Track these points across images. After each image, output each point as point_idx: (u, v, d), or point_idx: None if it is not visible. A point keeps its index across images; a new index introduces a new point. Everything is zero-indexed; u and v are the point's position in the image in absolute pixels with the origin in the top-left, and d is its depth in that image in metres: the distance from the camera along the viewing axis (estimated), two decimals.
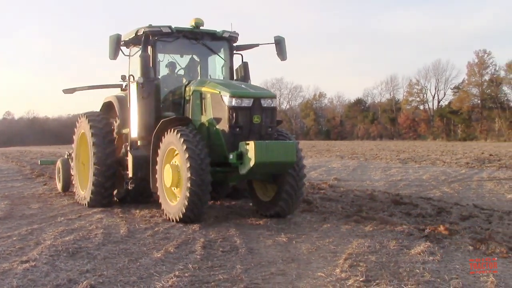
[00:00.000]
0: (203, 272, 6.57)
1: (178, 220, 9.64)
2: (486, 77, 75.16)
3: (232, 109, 9.65)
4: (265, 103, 9.81)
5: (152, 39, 11.31)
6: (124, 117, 11.89)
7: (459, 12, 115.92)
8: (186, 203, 9.34)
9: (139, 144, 11.18)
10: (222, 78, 12.16)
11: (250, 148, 9.04)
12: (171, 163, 10.00)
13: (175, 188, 9.93)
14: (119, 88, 12.99)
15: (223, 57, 12.23)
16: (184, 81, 12.23)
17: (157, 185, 10.42)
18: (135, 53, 12.50)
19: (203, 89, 10.46)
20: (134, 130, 11.01)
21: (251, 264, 7.00)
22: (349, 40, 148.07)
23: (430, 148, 48.18)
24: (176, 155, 10.02)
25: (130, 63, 12.69)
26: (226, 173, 10.24)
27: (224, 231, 9.10)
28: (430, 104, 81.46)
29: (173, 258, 7.26)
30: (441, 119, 77.34)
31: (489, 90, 74.31)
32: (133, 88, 11.03)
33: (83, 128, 12.52)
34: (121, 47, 11.46)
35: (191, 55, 12.85)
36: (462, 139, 69.26)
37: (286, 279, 6.34)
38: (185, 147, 9.35)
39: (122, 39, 11.56)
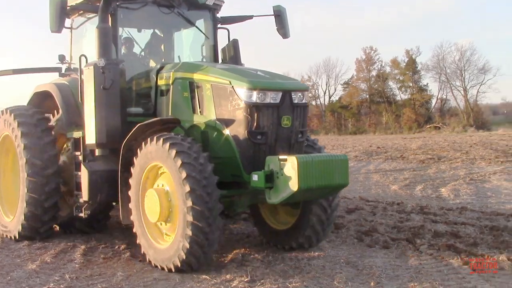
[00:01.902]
0: (81, 282, 6.40)
1: (173, 269, 6.56)
2: (374, 73, 77.73)
3: (252, 106, 6.65)
4: (296, 98, 6.87)
5: (113, 5, 8.00)
6: (70, 114, 8.55)
7: (345, 11, 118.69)
8: (187, 245, 6.28)
9: (97, 154, 7.87)
10: (202, 61, 9.08)
11: (291, 166, 6.11)
12: (156, 186, 6.86)
13: (164, 223, 6.81)
14: (57, 74, 9.54)
15: (204, 32, 9.11)
16: (152, 64, 9.05)
17: (131, 218, 7.23)
18: (80, 25, 9.17)
19: (197, 76, 7.37)
20: (90, 134, 7.67)
21: (133, 270, 6.86)
22: None
23: (321, 142, 47.05)
24: (161, 174, 6.92)
25: (73, 38, 9.32)
26: (233, 197, 7.25)
27: (107, 237, 8.70)
28: (322, 100, 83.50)
29: (49, 269, 7.03)
30: (332, 114, 79.71)
31: (376, 85, 77.00)
32: (88, 74, 7.68)
33: (6, 129, 9.01)
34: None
35: (152, 30, 9.64)
36: (352, 133, 71.62)
37: (169, 284, 6.25)
38: (179, 162, 6.29)
39: (69, 4, 8.20)
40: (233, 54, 9.00)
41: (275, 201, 6.42)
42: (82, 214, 8.03)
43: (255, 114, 6.62)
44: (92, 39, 8.16)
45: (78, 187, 8.07)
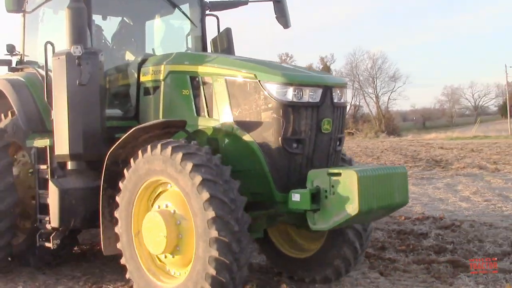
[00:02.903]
0: None
1: None
2: None
3: (287, 106, 5.26)
4: (336, 96, 5.54)
5: None
6: (28, 118, 6.84)
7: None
8: (208, 286, 4.80)
9: (69, 167, 6.20)
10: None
11: (348, 182, 4.78)
12: (158, 208, 5.33)
13: (170, 256, 5.28)
14: (5, 68, 7.75)
15: (192, 20, 7.64)
16: (129, 56, 7.50)
17: (119, 246, 5.66)
18: (36, 8, 7.47)
19: (203, 69, 5.92)
20: (62, 143, 6.00)
21: None
22: None
23: None
24: (161, 193, 5.43)
25: (27, 24, 7.61)
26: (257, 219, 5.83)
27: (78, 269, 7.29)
28: None
29: None
30: None
31: None
32: (58, 66, 6.01)
33: None
34: None
35: (121, 18, 8.06)
36: None
37: None
38: (199, 179, 4.82)
39: None
40: (226, 46, 7.55)
41: (322, 227, 5.06)
42: (49, 244, 6.32)
43: (291, 116, 5.24)
44: (52, 25, 6.53)
45: (43, 209, 6.38)
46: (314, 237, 6.36)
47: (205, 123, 5.81)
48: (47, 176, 6.28)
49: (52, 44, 6.35)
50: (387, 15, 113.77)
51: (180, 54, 6.60)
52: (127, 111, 6.87)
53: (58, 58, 6.01)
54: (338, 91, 5.53)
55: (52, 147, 6.21)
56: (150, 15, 8.15)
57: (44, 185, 6.37)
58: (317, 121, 5.36)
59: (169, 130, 5.71)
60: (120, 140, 5.59)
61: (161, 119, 6.17)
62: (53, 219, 6.11)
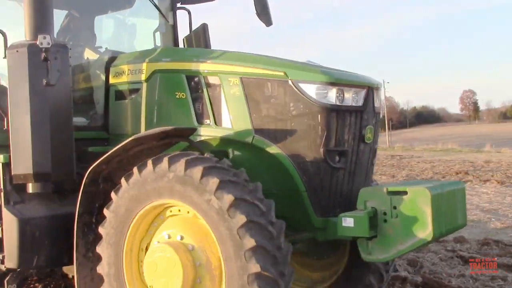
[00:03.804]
0: None
1: None
2: None
3: (330, 111, 4.31)
4: (377, 100, 4.67)
5: None
6: None
7: None
8: None
9: (31, 190, 4.86)
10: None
11: (420, 202, 3.88)
12: (166, 240, 4.16)
13: None
14: None
15: (164, 14, 6.51)
16: (90, 54, 6.27)
17: None
18: None
19: (207, 66, 4.84)
20: (21, 159, 4.67)
21: None
22: None
23: None
24: (168, 218, 4.27)
25: None
26: None
27: None
28: None
29: None
30: None
31: None
32: (18, 62, 4.70)
33: None
34: None
35: (68, 11, 6.78)
36: None
37: None
38: (230, 198, 3.74)
39: None
40: (203, 45, 6.47)
41: (381, 258, 4.13)
42: None
43: (334, 123, 4.29)
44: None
45: None
46: (326, 265, 5.42)
47: (210, 133, 4.73)
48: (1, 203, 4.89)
49: (3, 33, 5.00)
50: None
51: (169, 49, 5.50)
52: (92, 120, 5.63)
53: (17, 51, 4.71)
54: (378, 94, 4.68)
55: (6, 166, 4.84)
56: (101, 9, 6.92)
57: None
58: (360, 128, 4.46)
59: (169, 141, 4.57)
60: (108, 153, 4.39)
61: (154, 128, 4.89)
62: (8, 258, 4.74)
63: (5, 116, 4.93)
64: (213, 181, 3.80)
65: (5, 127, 4.90)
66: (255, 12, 6.44)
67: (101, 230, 4.43)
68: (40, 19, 4.71)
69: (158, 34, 6.62)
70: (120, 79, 5.37)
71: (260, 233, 3.71)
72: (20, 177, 4.73)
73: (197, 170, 3.87)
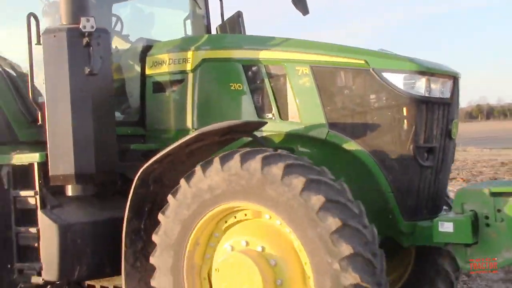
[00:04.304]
0: None
1: None
2: None
3: (419, 103, 3.85)
4: (459, 92, 4.26)
5: None
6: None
7: None
8: None
9: (70, 193, 4.33)
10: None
11: None
12: (239, 249, 3.65)
13: None
14: None
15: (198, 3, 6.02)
16: (118, 43, 5.76)
17: None
18: None
19: (270, 55, 4.35)
20: (61, 159, 4.16)
21: None
22: None
23: None
24: (236, 223, 3.76)
25: None
26: None
27: None
28: None
29: None
30: None
31: None
32: (55, 47, 4.18)
33: None
34: None
35: None
36: None
37: None
38: (320, 200, 3.24)
39: None
40: (238, 33, 5.98)
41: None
42: None
43: (424, 117, 3.85)
44: None
45: (25, 255, 4.43)
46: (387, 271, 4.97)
47: (273, 128, 4.24)
48: (32, 207, 4.34)
49: (35, 17, 4.46)
50: None
51: (220, 36, 5.01)
52: (127, 114, 5.12)
53: (54, 36, 4.18)
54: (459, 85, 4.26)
55: (42, 165, 4.30)
56: None
57: (27, 219, 4.42)
58: (447, 123, 4.04)
59: (230, 137, 4.08)
60: (165, 150, 3.88)
61: (203, 123, 4.46)
62: (47, 269, 4.21)
63: (39, 109, 4.37)
64: (298, 180, 3.32)
65: (39, 122, 4.35)
66: (291, 0, 5.98)
67: (155, 238, 3.91)
68: (79, 0, 4.20)
69: (189, 22, 6.10)
70: (159, 70, 4.87)
71: (356, 238, 3.26)
72: (59, 178, 4.21)
73: (277, 168, 3.39)
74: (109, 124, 4.33)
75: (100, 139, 4.21)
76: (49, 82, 4.22)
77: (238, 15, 6.05)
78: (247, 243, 3.64)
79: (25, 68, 5.10)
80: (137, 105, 5.05)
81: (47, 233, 4.18)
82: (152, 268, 3.97)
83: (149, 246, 4.12)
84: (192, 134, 3.79)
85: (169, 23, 6.62)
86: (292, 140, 4.21)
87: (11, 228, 4.46)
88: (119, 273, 4.35)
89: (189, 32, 6.09)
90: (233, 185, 3.54)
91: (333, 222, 3.22)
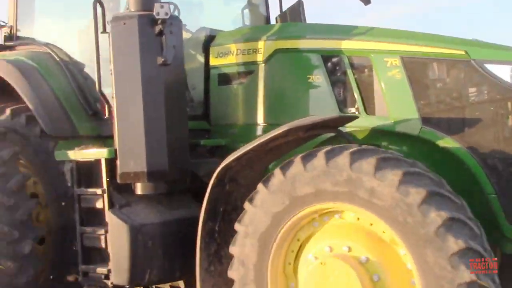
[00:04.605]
0: None
1: None
2: None
3: None
4: None
5: None
6: (52, 116, 4.52)
7: None
8: None
9: (140, 192, 4.07)
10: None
11: None
12: (331, 253, 3.33)
13: None
14: None
15: None
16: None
17: None
18: None
19: (354, 44, 4.03)
20: (132, 155, 3.90)
21: None
22: None
23: None
24: (320, 229, 3.45)
25: None
26: None
27: None
28: None
29: None
30: None
31: None
32: (124, 36, 3.91)
33: None
34: None
35: None
36: None
37: None
38: (421, 193, 2.91)
39: None
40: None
41: None
42: None
43: None
44: None
45: (91, 257, 4.18)
46: None
47: (358, 123, 3.94)
48: (100, 206, 4.08)
49: (101, 4, 4.18)
50: None
51: (294, 25, 4.70)
52: (190, 108, 4.84)
53: (124, 23, 3.90)
54: None
55: (109, 162, 4.04)
56: None
57: (92, 219, 4.16)
58: None
59: (313, 133, 3.79)
60: (249, 147, 3.58)
61: (275, 118, 4.22)
62: (117, 273, 3.95)
63: (106, 102, 4.10)
64: (393, 174, 3.02)
65: (106, 115, 4.09)
66: None
67: (238, 227, 3.58)
68: None
69: (247, 12, 5.81)
70: (225, 61, 4.59)
71: (465, 232, 2.94)
72: (130, 176, 3.94)
73: (368, 163, 3.08)
74: (182, 118, 4.06)
75: (173, 134, 3.94)
76: (118, 73, 3.95)
77: (299, 4, 5.75)
78: (350, 249, 3.34)
79: (82, 59, 4.88)
80: (200, 98, 4.78)
81: (116, 234, 3.92)
82: (226, 275, 3.70)
83: (222, 249, 3.86)
84: (280, 130, 3.49)
85: (220, 13, 6.34)
86: (379, 136, 3.92)
87: (75, 228, 4.20)
88: (188, 277, 4.12)
89: (247, 22, 5.80)
90: (335, 181, 3.23)
91: (438, 216, 2.91)
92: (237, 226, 3.58)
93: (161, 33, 3.83)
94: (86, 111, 4.57)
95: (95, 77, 4.66)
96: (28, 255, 4.14)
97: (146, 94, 3.87)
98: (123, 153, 3.93)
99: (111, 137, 4.33)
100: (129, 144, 3.91)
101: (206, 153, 4.45)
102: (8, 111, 4.75)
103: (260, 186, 3.50)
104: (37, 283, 4.26)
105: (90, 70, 4.75)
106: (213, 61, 4.67)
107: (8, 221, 4.06)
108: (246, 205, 3.54)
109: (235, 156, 3.63)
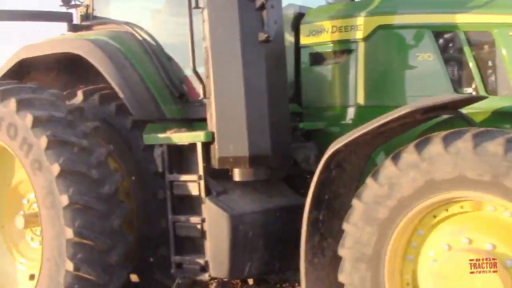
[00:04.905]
0: None
1: None
2: None
3: None
4: None
5: None
6: (139, 97, 4.25)
7: None
8: None
9: (238, 178, 3.80)
10: None
11: None
12: (470, 248, 2.98)
13: None
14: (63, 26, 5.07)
15: None
16: None
17: None
18: None
19: (471, 18, 3.70)
20: (231, 138, 3.63)
21: None
22: None
23: None
24: (450, 217, 3.08)
25: None
26: None
27: None
28: None
29: None
30: None
31: None
32: (225, 11, 3.63)
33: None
34: None
35: None
36: None
37: None
38: None
39: None
40: None
41: None
42: None
43: None
44: None
45: (184, 248, 3.92)
46: None
47: (478, 104, 3.59)
48: (195, 193, 3.81)
49: None
50: None
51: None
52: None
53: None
54: None
55: (205, 146, 3.77)
56: None
57: (185, 207, 3.91)
58: None
59: (433, 115, 3.46)
60: (363, 130, 3.26)
61: (382, 100, 3.91)
62: (215, 265, 3.69)
63: (200, 82, 3.83)
64: None
65: (202, 96, 3.82)
66: None
67: (347, 226, 3.29)
68: None
69: None
70: (318, 39, 4.28)
71: None
72: (229, 161, 3.67)
73: (495, 145, 2.74)
74: (283, 99, 3.79)
75: (275, 117, 3.66)
76: (215, 51, 3.67)
77: None
78: (470, 241, 3.03)
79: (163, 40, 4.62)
80: (290, 79, 4.48)
81: (215, 224, 3.67)
82: (328, 268, 3.44)
83: (324, 240, 3.57)
84: (402, 111, 3.16)
85: None
86: (501, 118, 3.57)
87: (167, 216, 3.96)
88: (287, 270, 3.85)
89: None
90: (460, 170, 2.92)
91: None
92: (356, 202, 3.24)
93: (262, 7, 3.55)
94: (172, 93, 4.31)
95: (177, 57, 4.45)
96: (118, 231, 3.89)
97: (247, 73, 3.59)
98: (221, 137, 3.66)
99: (198, 120, 4.11)
100: (229, 127, 3.65)
101: (300, 137, 4.16)
102: (79, 93, 4.57)
103: (388, 162, 3.16)
104: (126, 263, 4.02)
105: (170, 50, 4.53)
106: (304, 40, 4.37)
107: (96, 194, 3.82)
108: (369, 180, 3.21)
109: (348, 139, 3.32)
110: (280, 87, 3.78)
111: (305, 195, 3.88)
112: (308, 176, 4.07)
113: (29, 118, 3.82)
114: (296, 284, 4.06)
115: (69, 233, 3.67)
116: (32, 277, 4.36)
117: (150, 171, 4.17)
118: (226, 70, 3.65)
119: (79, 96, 4.60)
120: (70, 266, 3.69)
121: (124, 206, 4.01)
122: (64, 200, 3.68)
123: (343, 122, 4.15)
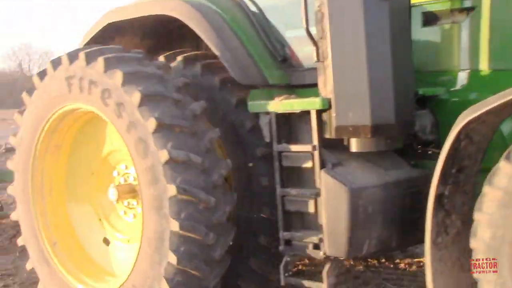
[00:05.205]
0: None
1: None
2: None
3: None
4: None
5: None
6: (242, 64, 3.94)
7: None
8: None
9: (356, 149, 3.48)
10: None
11: None
12: None
13: None
14: None
15: None
16: None
17: None
18: None
19: None
20: (351, 105, 3.31)
21: None
22: None
23: None
24: None
25: None
26: None
27: None
28: None
29: None
30: None
31: None
32: None
33: (92, 99, 3.78)
34: None
35: None
36: None
37: None
38: None
39: None
40: None
41: None
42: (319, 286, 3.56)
43: None
44: None
45: (292, 223, 3.66)
46: None
47: None
48: (308, 165, 3.52)
49: None
50: None
51: None
52: None
53: None
54: None
55: (320, 113, 3.46)
56: None
57: (296, 180, 3.62)
58: None
59: None
60: (507, 97, 2.89)
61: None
62: (331, 243, 3.41)
63: (314, 43, 3.51)
64: None
65: (316, 59, 3.49)
66: None
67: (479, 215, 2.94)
68: None
69: None
70: None
71: None
72: (347, 130, 3.36)
73: None
74: (408, 61, 3.43)
75: (400, 81, 3.32)
76: (333, 9, 3.33)
77: None
78: None
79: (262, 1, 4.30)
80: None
81: (332, 198, 3.37)
82: (451, 247, 3.13)
83: (448, 218, 3.25)
84: None
85: None
86: None
87: (275, 189, 3.68)
88: (402, 248, 3.53)
89: None
90: None
91: None
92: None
93: None
94: (274, 57, 4.00)
95: (277, 20, 4.15)
96: (225, 224, 3.64)
97: (369, 33, 3.25)
98: (339, 104, 3.35)
99: (301, 86, 3.82)
100: (348, 92, 3.32)
101: (415, 104, 3.82)
102: (180, 58, 4.27)
103: None
104: (227, 256, 3.77)
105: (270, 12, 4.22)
106: None
107: (204, 185, 3.54)
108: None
109: (487, 108, 2.96)
110: (405, 48, 3.43)
111: (416, 166, 3.61)
112: (419, 146, 3.78)
113: (136, 96, 3.54)
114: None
115: (175, 225, 3.43)
116: (106, 241, 4.29)
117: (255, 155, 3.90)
118: (345, 29, 3.32)
119: (180, 60, 4.28)
120: (173, 259, 3.46)
121: (230, 198, 3.75)
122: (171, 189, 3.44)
123: (464, 87, 3.78)
